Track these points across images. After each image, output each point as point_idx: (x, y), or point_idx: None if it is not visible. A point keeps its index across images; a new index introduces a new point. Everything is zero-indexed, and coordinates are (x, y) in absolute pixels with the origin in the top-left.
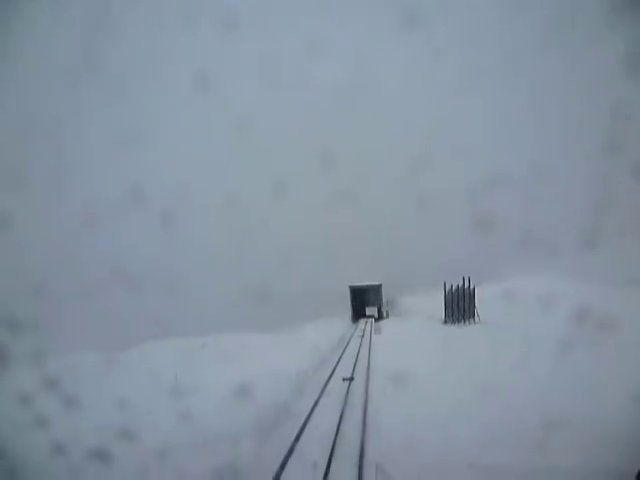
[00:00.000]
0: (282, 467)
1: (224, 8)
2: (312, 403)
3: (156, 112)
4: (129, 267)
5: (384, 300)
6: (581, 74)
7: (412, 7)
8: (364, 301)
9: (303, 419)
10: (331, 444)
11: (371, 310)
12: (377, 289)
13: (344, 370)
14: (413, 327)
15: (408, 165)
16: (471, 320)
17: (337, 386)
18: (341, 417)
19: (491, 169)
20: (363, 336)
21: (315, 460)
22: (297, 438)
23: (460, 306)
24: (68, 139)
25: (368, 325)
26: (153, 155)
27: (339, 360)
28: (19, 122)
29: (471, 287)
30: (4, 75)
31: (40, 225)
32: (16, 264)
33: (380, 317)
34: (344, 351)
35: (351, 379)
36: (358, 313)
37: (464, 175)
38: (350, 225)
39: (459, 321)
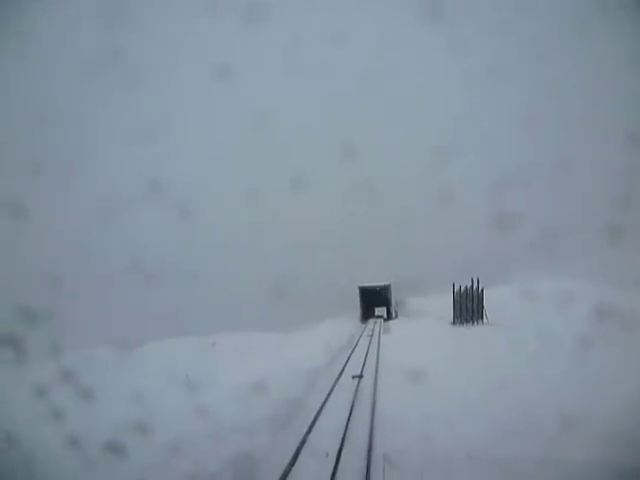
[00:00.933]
0: (294, 458)
1: None
2: (322, 400)
3: (175, 104)
4: (145, 260)
5: (393, 301)
6: (607, 68)
7: None
8: (373, 301)
9: (313, 415)
10: (341, 438)
11: (380, 310)
12: (386, 290)
13: (354, 369)
14: (421, 327)
15: (428, 159)
16: (480, 321)
17: (347, 383)
18: (350, 412)
19: (512, 164)
20: (372, 336)
21: (326, 451)
22: (309, 431)
23: (469, 307)
24: (86, 131)
25: (377, 325)
26: (171, 147)
27: (348, 359)
28: (38, 114)
29: (480, 288)
30: (23, 66)
31: (57, 217)
32: (33, 255)
33: (389, 317)
34: (353, 350)
35: (360, 377)
36: (367, 313)
37: (484, 171)
38: (366, 222)
39: (467, 322)
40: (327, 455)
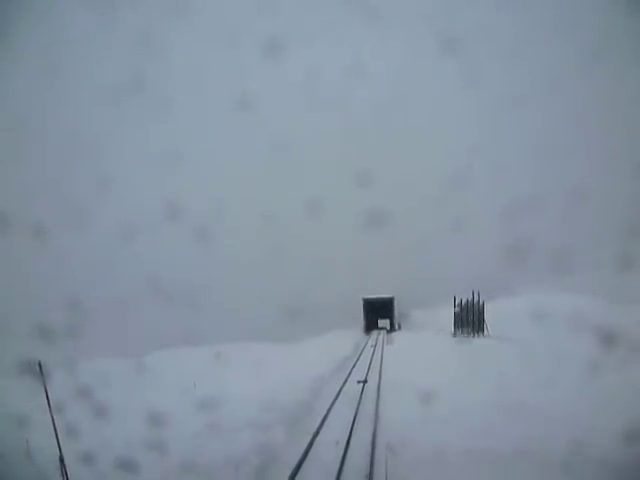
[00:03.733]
0: (309, 446)
1: (266, 31)
2: (329, 404)
3: (195, 130)
4: (163, 280)
5: (396, 313)
6: (622, 97)
7: (451, 30)
8: (377, 313)
9: (321, 416)
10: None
11: (383, 322)
12: (390, 302)
13: (358, 376)
14: (423, 339)
15: (442, 186)
16: (480, 333)
17: (352, 390)
18: (357, 410)
19: (524, 192)
20: (375, 346)
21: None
22: (321, 424)
23: (469, 320)
24: (107, 154)
25: (380, 336)
26: (190, 171)
27: (354, 366)
28: (61, 137)
29: (481, 301)
30: (51, 93)
31: (77, 238)
32: (52, 275)
33: (392, 329)
34: (358, 359)
35: (365, 382)
36: (370, 325)
37: (496, 198)
38: (378, 244)
39: (468, 334)
40: (337, 443)
